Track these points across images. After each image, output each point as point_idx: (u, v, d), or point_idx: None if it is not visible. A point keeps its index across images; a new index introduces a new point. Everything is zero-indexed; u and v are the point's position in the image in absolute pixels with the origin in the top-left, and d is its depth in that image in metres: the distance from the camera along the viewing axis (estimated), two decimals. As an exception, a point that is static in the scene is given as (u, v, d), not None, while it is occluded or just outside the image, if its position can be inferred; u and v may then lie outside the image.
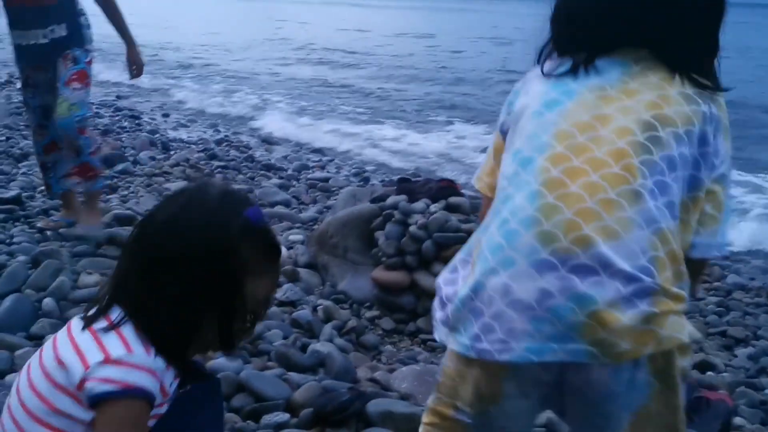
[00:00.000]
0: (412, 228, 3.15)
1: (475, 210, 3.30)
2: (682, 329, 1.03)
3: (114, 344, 0.98)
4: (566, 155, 1.07)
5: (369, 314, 3.14)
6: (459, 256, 1.22)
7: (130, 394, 0.96)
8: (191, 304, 1.01)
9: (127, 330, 0.99)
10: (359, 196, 3.82)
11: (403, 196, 3.36)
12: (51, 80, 2.96)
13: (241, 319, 1.07)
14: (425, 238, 3.11)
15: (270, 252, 1.10)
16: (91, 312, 1.04)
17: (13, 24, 2.88)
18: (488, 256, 1.09)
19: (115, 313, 1.02)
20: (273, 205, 4.75)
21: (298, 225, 4.32)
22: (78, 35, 2.98)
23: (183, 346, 1.04)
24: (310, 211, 4.65)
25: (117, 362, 0.96)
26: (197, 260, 1.00)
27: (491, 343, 1.06)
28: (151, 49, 15.16)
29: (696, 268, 1.12)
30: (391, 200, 3.38)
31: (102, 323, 1.01)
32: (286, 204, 4.84)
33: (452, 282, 1.17)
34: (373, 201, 3.54)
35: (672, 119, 1.06)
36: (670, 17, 1.11)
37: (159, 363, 0.99)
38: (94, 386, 0.95)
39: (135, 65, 3.24)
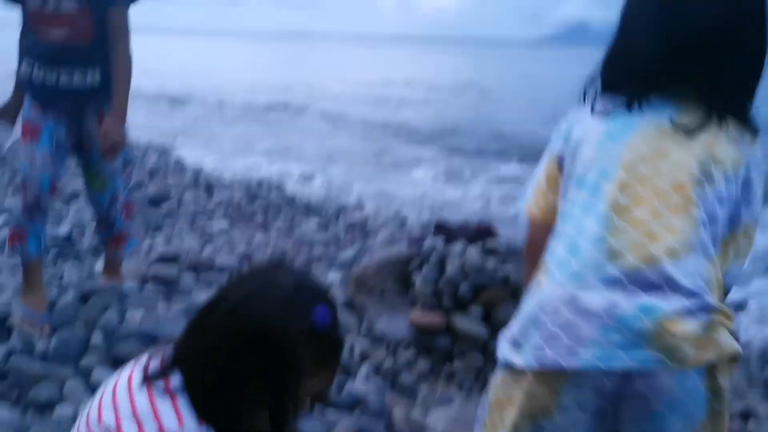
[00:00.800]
0: (448, 270, 3.18)
1: (512, 253, 3.32)
2: (735, 341, 1.11)
3: (168, 415, 1.01)
4: (631, 183, 1.15)
5: (405, 355, 3.16)
6: (530, 285, 1.26)
7: None
8: (243, 390, 1.04)
9: (182, 399, 1.03)
10: (397, 237, 3.88)
11: (440, 239, 3.40)
12: (76, 122, 2.62)
13: (291, 409, 1.08)
14: (462, 280, 3.14)
15: (331, 354, 1.10)
16: (152, 368, 1.07)
17: (42, 59, 2.51)
18: (555, 271, 1.17)
19: (175, 378, 1.05)
20: (312, 245, 4.84)
21: (336, 265, 4.39)
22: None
23: (232, 424, 1.05)
24: (348, 252, 4.72)
25: None
26: (256, 350, 1.02)
27: (556, 350, 1.11)
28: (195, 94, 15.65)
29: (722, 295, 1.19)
30: (428, 242, 3.42)
31: (161, 386, 1.04)
32: (325, 244, 4.93)
33: (521, 307, 1.22)
34: (410, 243, 3.59)
35: (722, 159, 1.14)
36: (718, 65, 1.17)
37: None
38: None
39: (108, 138, 2.50)
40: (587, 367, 1.09)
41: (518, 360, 1.16)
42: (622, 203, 1.14)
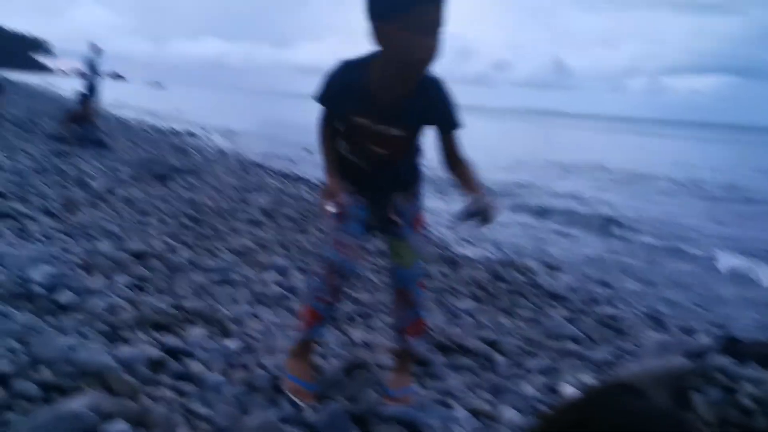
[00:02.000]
0: (741, 398, 2.72)
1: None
2: None
3: None
4: None
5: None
6: None
7: None
8: None
9: None
10: (668, 347, 3.46)
11: (728, 358, 2.95)
12: (380, 202, 2.63)
13: None
14: (758, 413, 2.66)
15: None
16: None
17: (359, 159, 2.56)
18: None
19: None
20: (561, 339, 4.53)
21: (588, 365, 4.04)
22: (419, 183, 2.70)
23: None
24: (602, 352, 4.33)
25: None
26: None
27: None
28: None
29: None
30: (713, 360, 2.98)
31: None
32: (575, 339, 4.59)
33: None
34: (688, 356, 3.17)
35: None
36: None
37: None
38: None
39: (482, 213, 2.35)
40: None
41: None
42: None
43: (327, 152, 2.57)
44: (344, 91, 2.39)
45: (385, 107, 2.37)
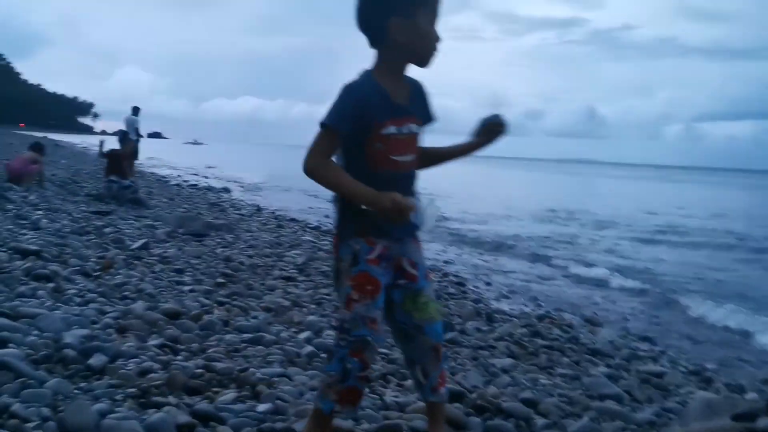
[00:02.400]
0: (797, 465, 2.57)
1: None
2: None
3: None
4: None
5: None
6: None
7: None
8: None
9: None
10: (716, 407, 3.30)
11: (781, 421, 2.79)
12: (395, 256, 2.47)
13: None
14: (818, 482, 2.50)
15: None
16: None
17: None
18: None
19: None
20: (603, 398, 4.36)
21: (632, 427, 3.87)
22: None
23: None
24: (647, 412, 4.15)
25: None
26: None
27: None
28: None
29: None
30: (762, 423, 2.83)
31: None
32: (618, 399, 4.41)
33: None
34: (736, 418, 3.01)
35: None
36: None
37: None
38: None
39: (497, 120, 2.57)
40: None
41: None
42: None
43: (345, 178, 2.35)
44: (367, 102, 2.34)
45: (403, 103, 2.46)
